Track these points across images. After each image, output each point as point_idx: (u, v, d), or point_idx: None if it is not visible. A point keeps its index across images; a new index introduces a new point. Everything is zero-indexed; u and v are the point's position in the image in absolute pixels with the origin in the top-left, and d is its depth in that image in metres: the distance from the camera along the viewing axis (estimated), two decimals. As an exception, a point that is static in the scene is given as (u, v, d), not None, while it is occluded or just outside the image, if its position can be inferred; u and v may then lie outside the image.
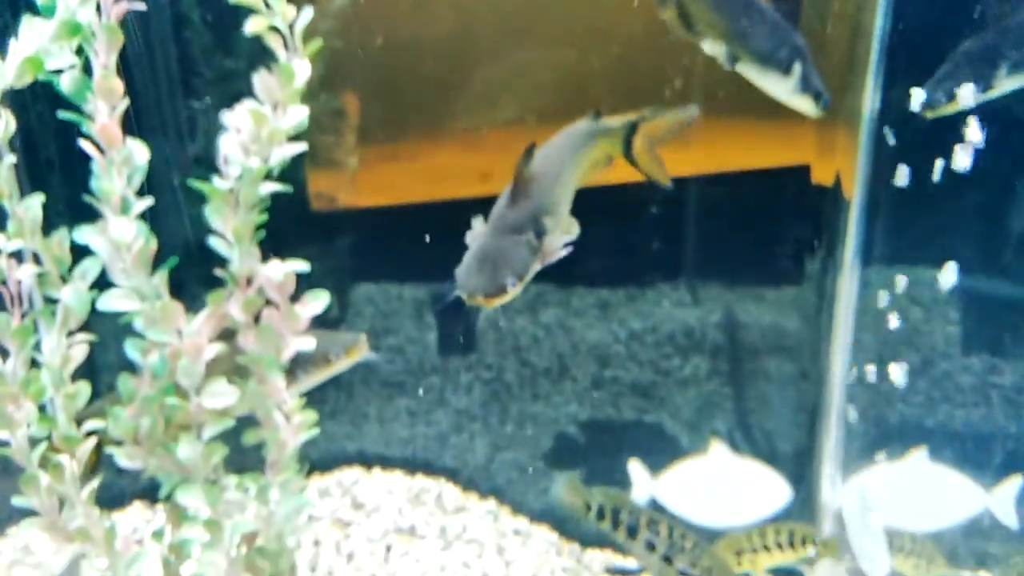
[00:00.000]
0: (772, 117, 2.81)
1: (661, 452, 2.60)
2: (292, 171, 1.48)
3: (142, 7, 1.34)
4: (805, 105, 2.13)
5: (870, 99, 2.57)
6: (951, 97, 2.10)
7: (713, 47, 2.15)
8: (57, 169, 2.25)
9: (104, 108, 1.34)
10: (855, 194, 2.65)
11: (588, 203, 3.39)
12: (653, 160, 2.29)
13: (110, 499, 2.60)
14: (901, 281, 2.65)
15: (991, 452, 2.75)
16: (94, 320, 1.43)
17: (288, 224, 1.68)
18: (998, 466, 2.66)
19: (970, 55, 2.13)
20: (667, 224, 3.27)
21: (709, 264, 3.24)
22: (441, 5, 3.16)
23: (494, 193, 3.73)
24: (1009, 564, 2.50)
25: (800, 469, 2.63)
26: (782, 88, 2.11)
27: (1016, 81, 2.19)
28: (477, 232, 1.97)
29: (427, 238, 2.80)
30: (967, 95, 2.11)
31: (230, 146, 1.41)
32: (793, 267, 2.90)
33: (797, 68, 2.07)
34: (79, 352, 1.40)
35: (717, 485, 2.39)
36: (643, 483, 2.41)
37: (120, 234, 1.34)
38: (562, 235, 2.00)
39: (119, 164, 1.35)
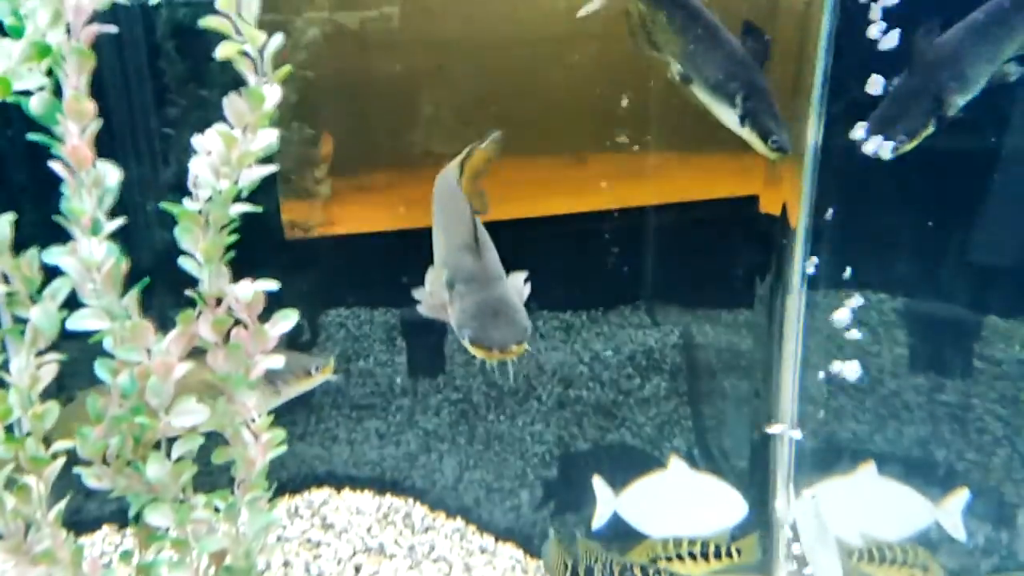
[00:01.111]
0: (723, 150, 2.92)
1: (624, 469, 2.65)
2: (264, 199, 1.51)
3: (113, 30, 1.36)
4: (755, 142, 2.19)
5: (813, 132, 2.68)
6: (913, 135, 2.17)
7: (672, 65, 2.23)
8: (30, 193, 2.24)
9: (75, 129, 1.36)
10: (800, 222, 2.75)
11: (551, 230, 3.48)
12: (475, 192, 2.34)
13: (78, 524, 2.56)
14: (847, 303, 2.74)
15: (937, 467, 2.85)
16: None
17: (261, 251, 1.70)
18: (944, 480, 2.75)
19: (915, 91, 2.21)
20: (627, 250, 3.35)
21: (667, 288, 3.32)
22: (411, 41, 3.22)
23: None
24: None
25: (756, 484, 2.70)
26: (730, 119, 2.18)
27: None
28: (437, 289, 1.95)
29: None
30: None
31: (201, 168, 1.44)
32: (745, 291, 2.99)
33: (742, 102, 2.13)
34: (48, 372, 1.40)
35: (677, 500, 2.44)
36: (606, 499, 2.44)
37: (90, 254, 1.35)
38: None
39: (89, 185, 1.37)
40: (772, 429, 2.56)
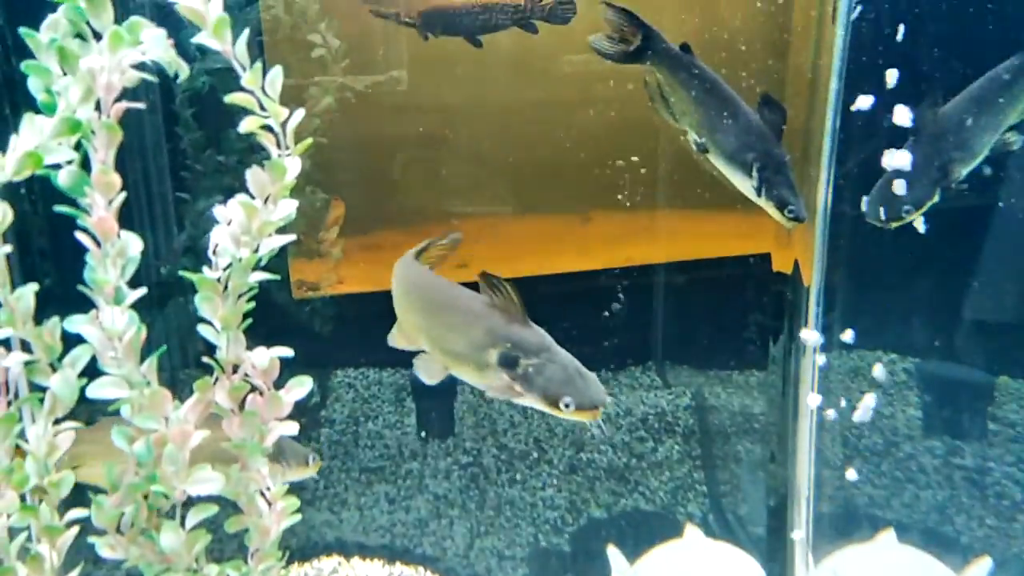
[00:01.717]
0: (734, 208, 2.96)
1: (638, 536, 2.60)
2: (274, 258, 1.53)
3: (142, 106, 1.41)
4: (772, 211, 2.23)
5: (823, 192, 2.70)
6: (919, 205, 2.22)
7: (689, 134, 2.28)
8: (50, 258, 2.28)
9: (101, 202, 1.39)
10: (813, 281, 2.74)
11: (560, 289, 3.49)
12: None
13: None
14: (861, 365, 2.72)
15: (957, 533, 2.79)
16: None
17: (269, 310, 1.72)
18: (965, 547, 2.69)
19: (919, 161, 2.25)
20: (637, 310, 3.34)
21: (678, 348, 3.30)
22: (421, 103, 3.31)
23: (471, 280, 3.81)
24: None
25: (773, 551, 2.65)
26: (747, 188, 2.22)
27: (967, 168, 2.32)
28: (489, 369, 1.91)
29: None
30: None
31: (221, 237, 1.47)
32: (758, 351, 2.97)
33: (759, 172, 2.17)
34: (64, 440, 1.41)
35: (693, 570, 2.39)
36: (621, 569, 2.40)
37: (113, 324, 1.37)
38: None
39: (114, 256, 1.40)
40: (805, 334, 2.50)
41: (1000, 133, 2.28)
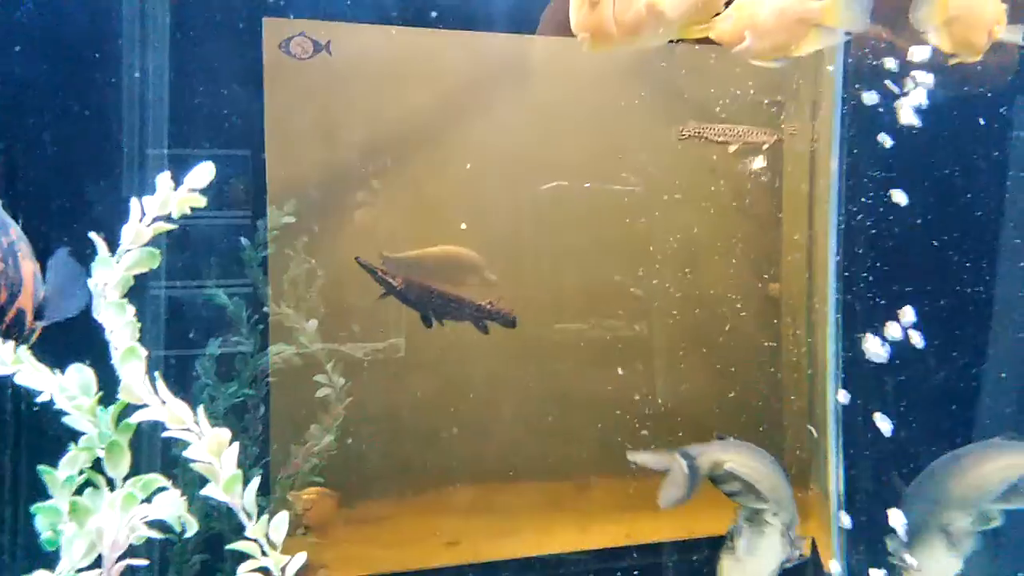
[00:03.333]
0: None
1: None
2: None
3: (144, 564, 1.40)
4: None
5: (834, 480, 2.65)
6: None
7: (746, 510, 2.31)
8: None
9: None
10: (833, 566, 2.61)
11: (558, 573, 3.32)
12: None
13: None
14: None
15: None
16: None
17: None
18: None
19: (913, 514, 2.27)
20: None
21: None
22: (412, 368, 3.33)
23: (461, 562, 3.64)
24: None
25: None
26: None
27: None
28: None
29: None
30: None
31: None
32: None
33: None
34: None
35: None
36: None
37: None
38: None
39: None
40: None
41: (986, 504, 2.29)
